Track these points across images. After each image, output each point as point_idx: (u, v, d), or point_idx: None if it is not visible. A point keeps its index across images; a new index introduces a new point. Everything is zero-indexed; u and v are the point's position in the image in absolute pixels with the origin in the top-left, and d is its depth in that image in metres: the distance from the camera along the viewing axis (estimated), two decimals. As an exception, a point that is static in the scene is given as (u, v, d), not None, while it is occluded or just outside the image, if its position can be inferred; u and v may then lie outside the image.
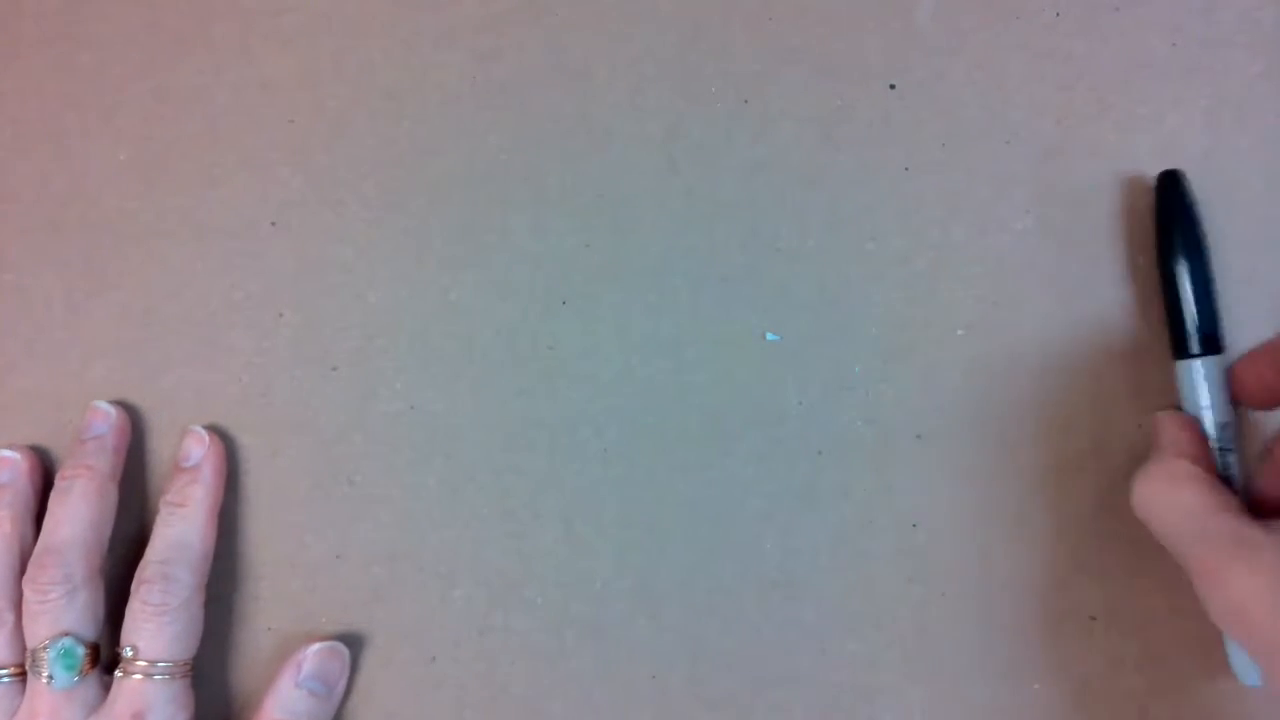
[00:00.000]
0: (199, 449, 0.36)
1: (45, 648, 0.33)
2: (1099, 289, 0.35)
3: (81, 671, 0.33)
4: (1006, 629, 0.35)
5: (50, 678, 0.33)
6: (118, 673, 0.33)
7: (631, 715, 0.35)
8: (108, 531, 0.35)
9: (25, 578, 0.34)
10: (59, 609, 0.33)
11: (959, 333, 0.36)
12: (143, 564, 0.34)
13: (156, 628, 0.33)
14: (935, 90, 0.36)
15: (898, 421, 0.35)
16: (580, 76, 0.37)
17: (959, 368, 0.35)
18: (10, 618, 0.34)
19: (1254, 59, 0.35)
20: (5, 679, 0.34)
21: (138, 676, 0.33)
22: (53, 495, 0.35)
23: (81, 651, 0.33)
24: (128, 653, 0.33)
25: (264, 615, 0.36)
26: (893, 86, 0.36)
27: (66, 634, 0.33)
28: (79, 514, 0.34)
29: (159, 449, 0.37)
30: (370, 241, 0.37)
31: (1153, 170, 0.35)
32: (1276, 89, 0.35)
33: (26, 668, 0.33)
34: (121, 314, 0.37)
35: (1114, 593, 0.35)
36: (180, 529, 0.34)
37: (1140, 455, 0.34)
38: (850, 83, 0.36)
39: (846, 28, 0.37)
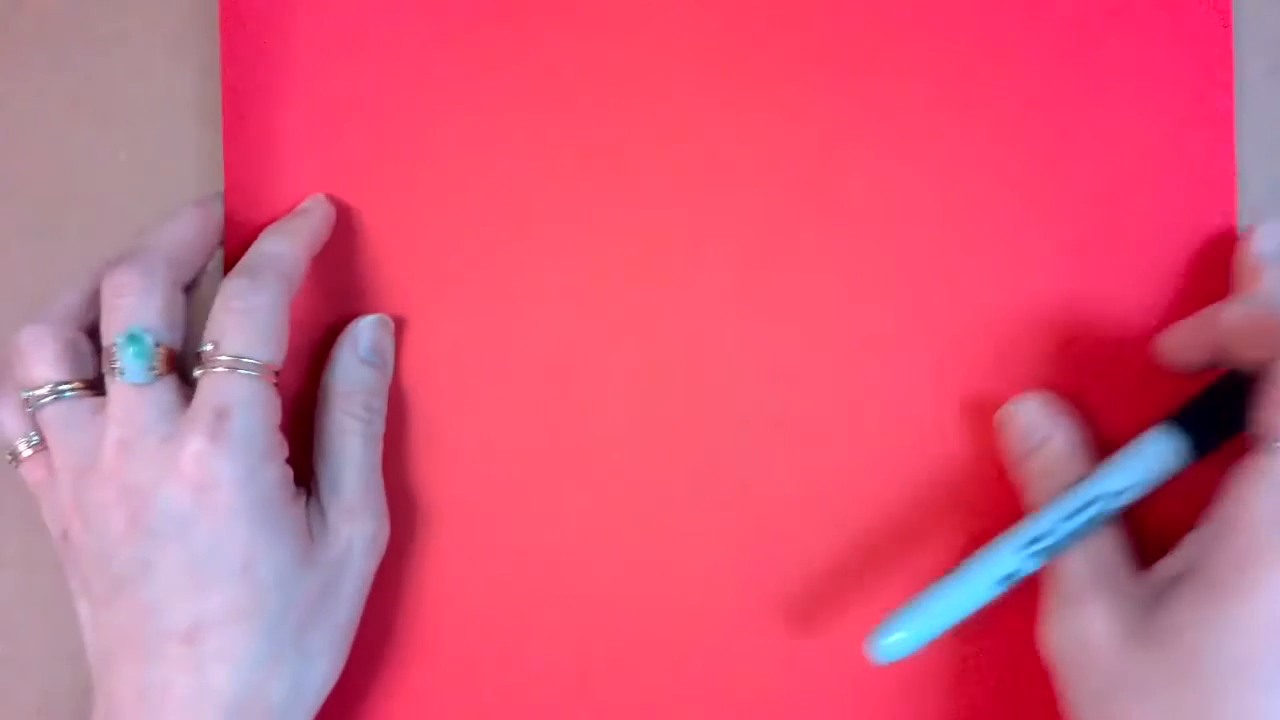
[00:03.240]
0: (311, 202, 0.35)
1: (115, 342, 0.31)
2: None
3: (153, 367, 0.31)
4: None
5: (121, 370, 0.31)
6: (198, 371, 0.31)
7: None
8: (203, 260, 0.34)
9: (104, 280, 0.32)
10: (133, 306, 0.31)
11: (956, 334, 0.35)
12: (231, 271, 0.33)
13: (237, 322, 0.31)
14: (933, 90, 0.36)
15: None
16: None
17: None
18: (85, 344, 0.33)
19: (1254, 59, 0.35)
20: (69, 394, 0.32)
21: (220, 370, 0.31)
22: None
23: (151, 340, 0.31)
24: (208, 348, 0.31)
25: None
26: (890, 86, 0.36)
27: (138, 325, 0.31)
28: (173, 231, 0.34)
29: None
30: (368, 241, 0.37)
31: (1151, 171, 0.35)
32: (1276, 89, 0.35)
33: (104, 370, 0.32)
34: (121, 313, 0.37)
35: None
36: (274, 242, 0.33)
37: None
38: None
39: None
